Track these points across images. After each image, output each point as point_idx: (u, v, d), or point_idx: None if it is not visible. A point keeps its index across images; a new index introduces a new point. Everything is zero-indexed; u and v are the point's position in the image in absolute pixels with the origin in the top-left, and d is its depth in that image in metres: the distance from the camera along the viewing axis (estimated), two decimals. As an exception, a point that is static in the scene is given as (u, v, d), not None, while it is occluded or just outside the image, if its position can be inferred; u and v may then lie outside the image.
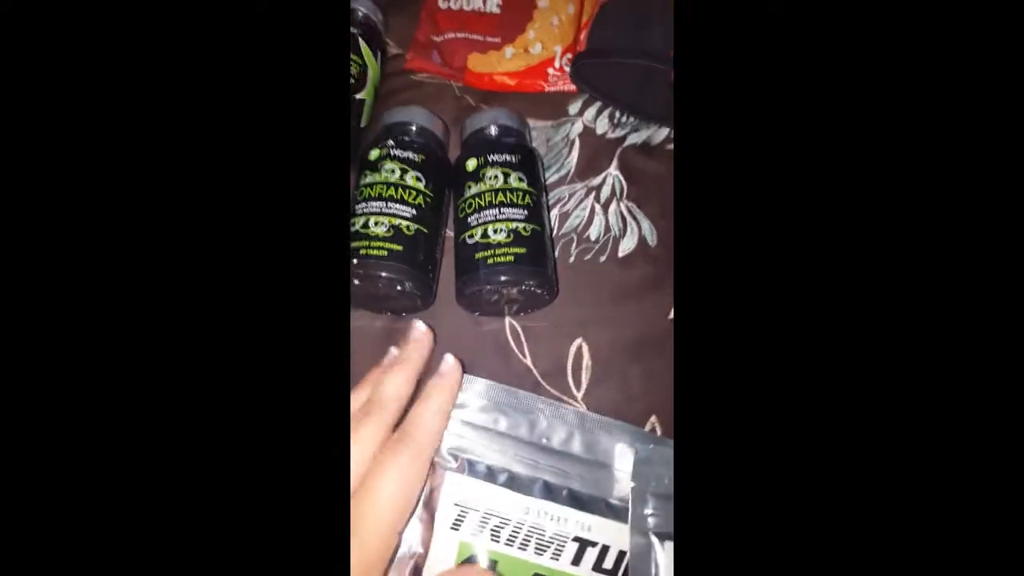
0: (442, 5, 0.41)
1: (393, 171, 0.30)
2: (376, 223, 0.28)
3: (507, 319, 0.33)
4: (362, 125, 0.37)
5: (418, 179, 0.30)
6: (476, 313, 0.33)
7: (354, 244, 0.28)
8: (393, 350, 0.28)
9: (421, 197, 0.30)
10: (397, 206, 0.29)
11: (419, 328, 0.28)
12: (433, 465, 0.28)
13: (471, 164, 0.31)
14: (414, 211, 0.29)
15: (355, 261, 0.28)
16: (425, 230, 0.30)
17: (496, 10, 0.41)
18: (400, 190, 0.29)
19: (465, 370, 0.31)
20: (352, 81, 0.36)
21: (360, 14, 0.38)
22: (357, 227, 0.29)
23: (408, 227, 0.29)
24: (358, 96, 0.36)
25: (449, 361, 0.28)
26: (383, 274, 0.28)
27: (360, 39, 0.37)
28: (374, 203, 0.29)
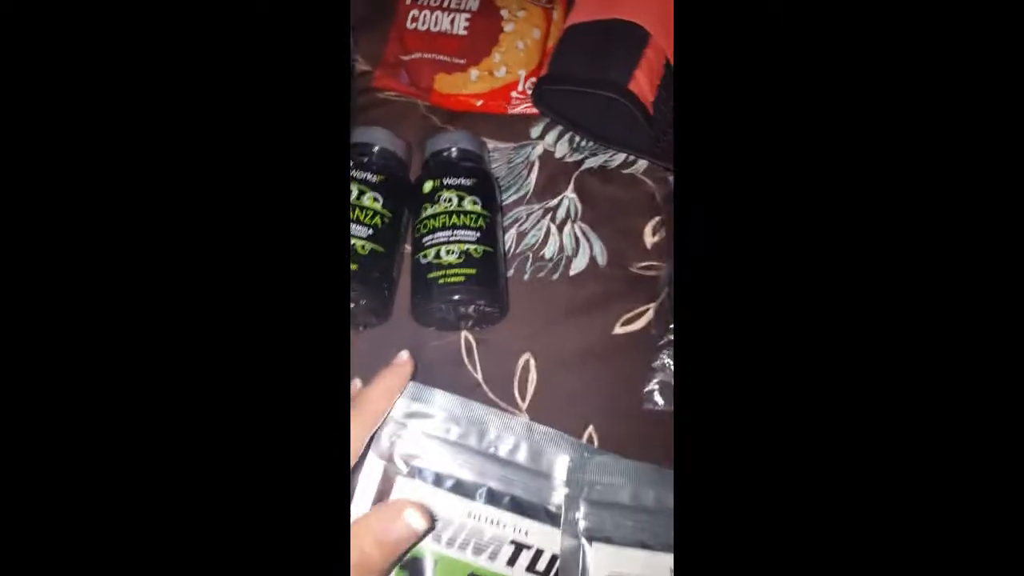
0: (410, 26, 0.43)
1: (351, 191, 0.31)
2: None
3: (463, 332, 0.35)
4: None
5: (375, 200, 0.32)
6: (433, 327, 0.35)
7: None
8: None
9: (378, 217, 0.32)
10: (353, 226, 0.31)
11: (402, 355, 0.30)
12: (385, 471, 0.30)
13: (427, 186, 0.33)
14: (370, 231, 0.31)
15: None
16: (381, 249, 0.31)
17: (463, 32, 0.42)
18: (357, 210, 0.31)
19: (421, 379, 0.33)
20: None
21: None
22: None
23: (363, 246, 0.31)
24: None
25: (403, 356, 0.30)
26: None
27: (329, 58, 0.38)
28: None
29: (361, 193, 0.32)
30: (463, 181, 0.32)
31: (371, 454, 0.30)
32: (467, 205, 0.32)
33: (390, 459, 0.30)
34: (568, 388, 0.34)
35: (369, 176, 0.32)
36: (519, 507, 0.30)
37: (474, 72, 0.42)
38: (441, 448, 0.31)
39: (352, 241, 0.30)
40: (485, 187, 0.33)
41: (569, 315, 0.36)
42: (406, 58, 0.42)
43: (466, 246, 0.31)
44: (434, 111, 0.42)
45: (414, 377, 0.33)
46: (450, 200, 0.32)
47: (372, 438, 0.29)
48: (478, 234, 0.31)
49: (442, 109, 0.42)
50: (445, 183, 0.32)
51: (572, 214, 0.39)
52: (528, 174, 0.40)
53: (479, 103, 0.41)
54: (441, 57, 0.42)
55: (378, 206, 0.32)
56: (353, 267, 0.30)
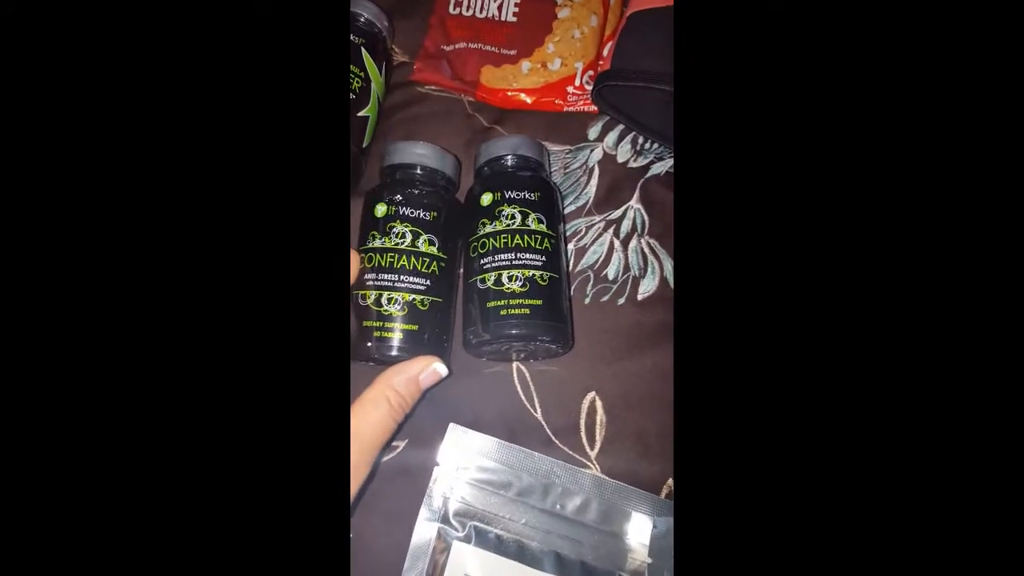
0: (453, 11, 0.38)
1: (404, 235, 0.27)
2: (390, 300, 0.26)
3: (515, 364, 0.31)
4: (364, 145, 0.34)
5: (431, 243, 0.27)
6: (483, 358, 0.31)
7: (367, 323, 0.26)
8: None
9: (435, 264, 0.27)
10: (410, 278, 0.26)
11: (442, 367, 0.26)
12: (440, 533, 0.26)
13: (486, 199, 0.28)
14: (428, 282, 0.27)
15: (369, 344, 0.26)
16: (440, 300, 0.27)
17: (512, 19, 0.38)
18: (413, 259, 0.27)
19: (473, 417, 0.29)
20: (352, 97, 0.33)
21: (362, 20, 0.35)
22: (369, 302, 0.26)
23: (423, 301, 0.26)
24: (360, 114, 0.33)
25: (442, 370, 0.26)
26: (399, 357, 0.26)
27: (363, 49, 0.34)
28: (385, 276, 0.26)
29: (416, 236, 0.27)
30: (527, 195, 0.28)
31: (423, 515, 0.27)
32: (531, 223, 0.27)
33: (444, 519, 0.26)
34: (642, 433, 0.30)
35: (422, 214, 0.27)
36: (590, 575, 0.26)
37: (525, 64, 0.37)
38: (501, 506, 0.27)
39: (410, 297, 0.26)
40: (549, 203, 0.29)
41: (637, 347, 0.31)
42: (448, 48, 0.38)
43: (531, 272, 0.26)
44: (480, 108, 0.37)
45: (463, 417, 0.29)
46: (512, 217, 0.27)
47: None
48: (543, 258, 0.27)
49: (489, 106, 0.37)
50: (507, 196, 0.28)
51: (638, 227, 0.34)
52: (587, 181, 0.35)
53: (530, 100, 0.37)
54: (488, 47, 0.37)
55: (434, 250, 0.27)
56: (412, 327, 0.26)
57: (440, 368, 0.25)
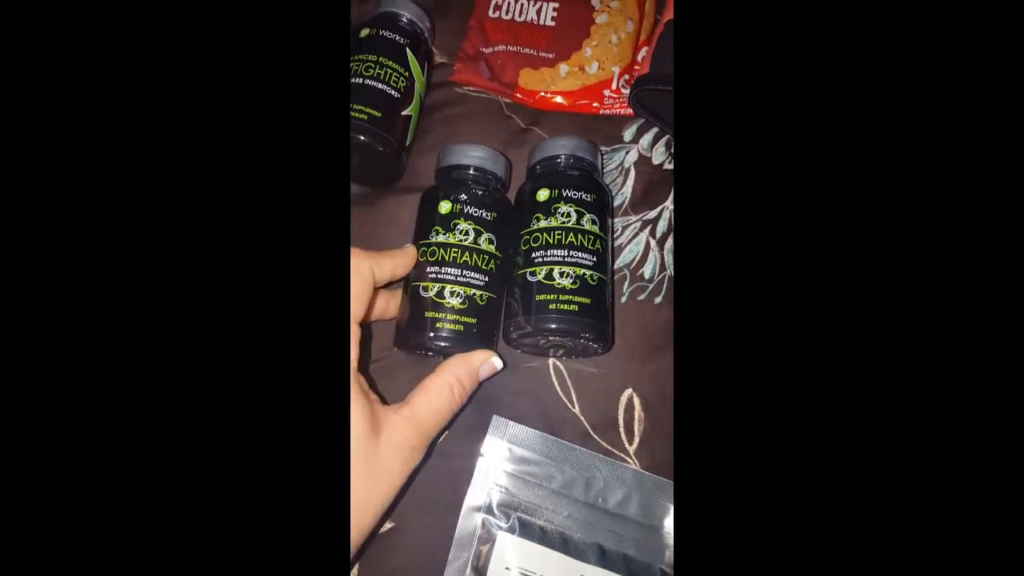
0: (493, 15, 0.39)
1: (467, 233, 0.28)
2: (452, 293, 0.27)
3: (551, 360, 0.31)
4: (407, 143, 0.35)
5: (490, 241, 0.28)
6: (520, 350, 0.31)
7: (427, 314, 0.27)
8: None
9: (493, 262, 0.28)
10: (471, 274, 0.27)
11: (498, 361, 0.27)
12: (484, 524, 0.27)
13: (543, 195, 0.29)
14: (486, 278, 0.28)
15: (429, 335, 0.26)
16: (495, 296, 0.28)
17: (551, 23, 0.38)
18: (474, 255, 0.28)
19: (512, 410, 0.30)
20: (397, 96, 0.33)
21: (404, 20, 0.35)
22: (431, 294, 0.27)
23: (481, 296, 0.27)
24: (404, 112, 0.34)
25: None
26: (455, 348, 0.27)
27: (407, 49, 0.34)
28: (449, 270, 0.27)
29: (478, 235, 0.28)
30: (584, 196, 0.28)
31: (467, 505, 0.27)
32: (585, 224, 0.28)
33: (488, 510, 0.27)
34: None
35: (484, 214, 0.28)
36: (633, 568, 0.26)
37: (563, 67, 0.38)
38: (545, 498, 0.27)
39: (471, 292, 0.27)
40: (602, 205, 0.29)
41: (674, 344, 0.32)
42: (487, 51, 0.38)
43: (582, 271, 0.27)
44: (516, 109, 0.38)
45: (502, 410, 0.30)
46: (568, 215, 0.28)
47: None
48: (594, 259, 0.27)
49: (526, 107, 0.38)
50: (564, 194, 0.28)
51: (673, 228, 0.35)
52: (624, 182, 0.36)
53: (566, 103, 0.37)
54: (527, 50, 0.38)
55: (492, 248, 0.28)
56: (470, 320, 0.27)
57: (497, 362, 0.26)
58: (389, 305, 0.29)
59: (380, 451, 0.21)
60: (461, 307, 0.27)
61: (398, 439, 0.22)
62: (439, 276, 0.27)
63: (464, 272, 0.27)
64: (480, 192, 0.29)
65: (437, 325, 0.26)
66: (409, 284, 0.28)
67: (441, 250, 0.27)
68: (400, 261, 0.27)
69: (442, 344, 0.26)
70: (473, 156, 0.30)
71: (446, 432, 0.30)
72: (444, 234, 0.28)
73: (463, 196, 0.28)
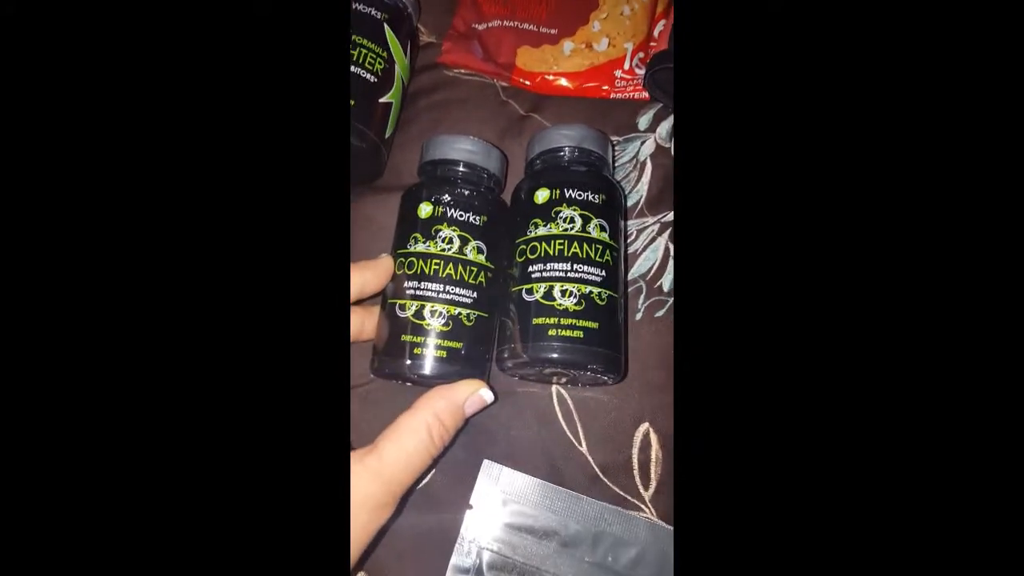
0: (487, -16, 0.34)
1: (451, 241, 0.23)
2: (433, 313, 0.23)
3: (554, 387, 0.27)
4: (387, 135, 0.30)
5: (479, 251, 0.24)
6: (516, 377, 0.27)
7: (404, 337, 0.23)
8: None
9: (483, 274, 0.24)
10: (456, 290, 0.23)
11: (488, 394, 0.23)
12: (472, 590, 0.22)
13: (542, 195, 0.24)
14: (475, 294, 0.23)
15: (406, 362, 0.22)
16: (486, 315, 0.24)
17: (553, -7, 0.33)
18: (459, 267, 0.23)
19: (505, 449, 0.26)
20: (374, 81, 0.29)
21: (387, -7, 0.31)
22: (408, 314, 0.23)
23: (468, 316, 0.23)
24: (382, 100, 0.29)
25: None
26: (439, 378, 0.23)
27: (385, 25, 0.30)
28: (429, 285, 0.23)
29: (464, 243, 0.24)
30: (590, 197, 0.24)
31: (453, 567, 0.23)
32: (592, 231, 0.23)
33: (478, 573, 0.23)
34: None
35: (472, 218, 0.24)
36: (649, 643, 0.22)
37: (567, 44, 0.33)
38: (545, 557, 0.23)
39: (455, 311, 0.23)
40: (613, 208, 0.24)
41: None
42: (480, 27, 0.34)
43: (588, 288, 0.22)
44: (514, 94, 0.33)
45: (497, 446, 0.25)
46: (571, 221, 0.23)
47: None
48: (603, 273, 0.23)
49: (525, 91, 0.33)
50: (567, 196, 0.24)
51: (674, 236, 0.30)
52: (638, 178, 0.31)
53: (572, 85, 0.32)
54: (525, 25, 0.33)
55: (482, 259, 0.24)
56: (455, 345, 0.22)
57: (487, 394, 0.22)
58: (365, 325, 0.25)
59: None
60: (444, 329, 0.22)
61: (361, 496, 0.18)
62: (418, 292, 0.23)
63: (447, 287, 0.23)
64: (468, 192, 0.24)
65: (415, 351, 0.22)
66: (386, 301, 0.24)
67: (420, 261, 0.23)
68: (371, 276, 0.23)
69: (422, 373, 0.22)
70: (460, 149, 0.25)
71: (431, 472, 0.26)
72: (424, 242, 0.23)
73: (446, 197, 0.24)
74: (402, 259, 0.24)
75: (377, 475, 0.19)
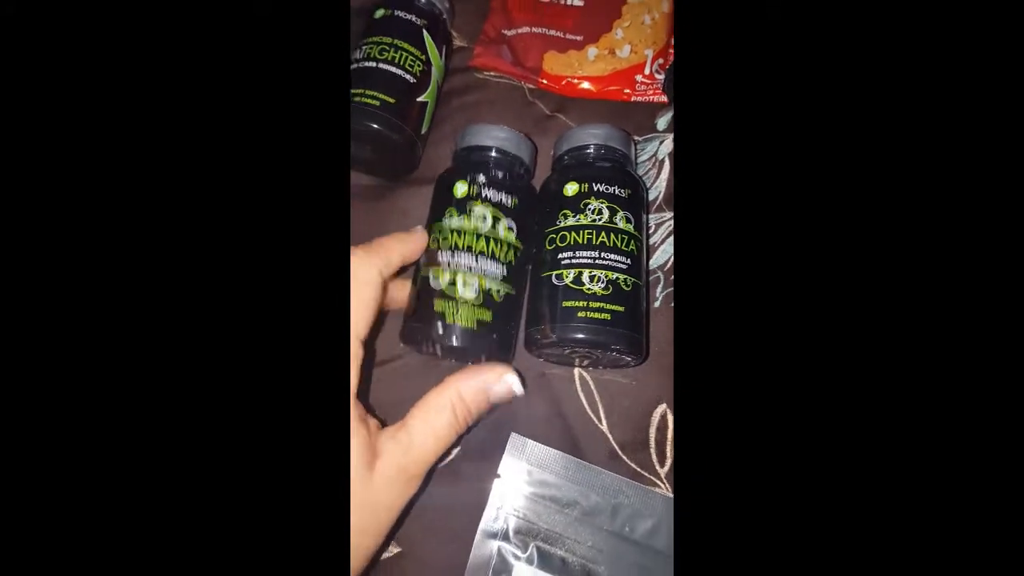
0: (517, -7, 0.36)
1: (484, 218, 0.25)
2: (466, 284, 0.24)
3: (576, 369, 0.29)
4: (423, 131, 0.32)
5: (510, 229, 0.25)
6: (541, 359, 0.28)
7: (436, 307, 0.24)
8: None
9: (512, 252, 0.25)
10: (487, 264, 0.24)
11: (518, 384, 0.23)
12: (499, 552, 0.24)
13: (571, 189, 0.26)
14: (505, 270, 0.25)
15: (435, 330, 0.24)
16: (514, 291, 0.25)
17: (579, 3, 0.35)
18: (491, 243, 0.25)
19: (528, 425, 0.27)
20: (412, 81, 0.31)
21: (423, 1, 0.33)
22: (442, 284, 0.24)
23: (498, 291, 0.24)
24: (420, 99, 0.31)
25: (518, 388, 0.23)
26: (467, 349, 0.24)
27: (424, 31, 0.32)
28: (463, 257, 0.24)
29: (496, 220, 0.25)
30: (618, 191, 0.25)
31: (481, 532, 0.25)
32: (619, 222, 0.25)
33: (504, 537, 0.24)
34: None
35: (505, 199, 0.26)
36: (664, 607, 0.24)
37: (591, 50, 0.35)
38: (566, 525, 0.25)
39: (487, 284, 0.24)
40: (637, 202, 0.26)
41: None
42: (510, 33, 0.36)
43: (615, 275, 0.24)
44: (540, 96, 0.35)
45: (520, 423, 0.27)
46: (599, 212, 0.25)
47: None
48: (629, 261, 0.24)
49: (551, 94, 0.35)
50: (595, 189, 0.25)
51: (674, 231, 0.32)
52: (657, 175, 0.33)
53: (595, 89, 0.34)
54: (552, 32, 0.35)
55: (512, 237, 0.25)
56: (484, 316, 0.24)
57: (515, 383, 0.23)
58: (398, 293, 0.26)
59: (374, 483, 0.19)
60: (475, 301, 0.24)
61: (393, 470, 0.20)
62: (451, 264, 0.24)
63: (479, 261, 0.24)
64: (501, 174, 0.26)
65: (448, 319, 0.23)
66: (418, 272, 0.25)
67: (455, 235, 0.25)
68: (410, 246, 0.24)
69: (453, 344, 0.24)
70: (495, 136, 0.27)
71: (457, 448, 0.27)
72: (459, 217, 0.25)
73: (481, 177, 0.26)
74: (436, 232, 0.25)
75: (407, 451, 0.20)
